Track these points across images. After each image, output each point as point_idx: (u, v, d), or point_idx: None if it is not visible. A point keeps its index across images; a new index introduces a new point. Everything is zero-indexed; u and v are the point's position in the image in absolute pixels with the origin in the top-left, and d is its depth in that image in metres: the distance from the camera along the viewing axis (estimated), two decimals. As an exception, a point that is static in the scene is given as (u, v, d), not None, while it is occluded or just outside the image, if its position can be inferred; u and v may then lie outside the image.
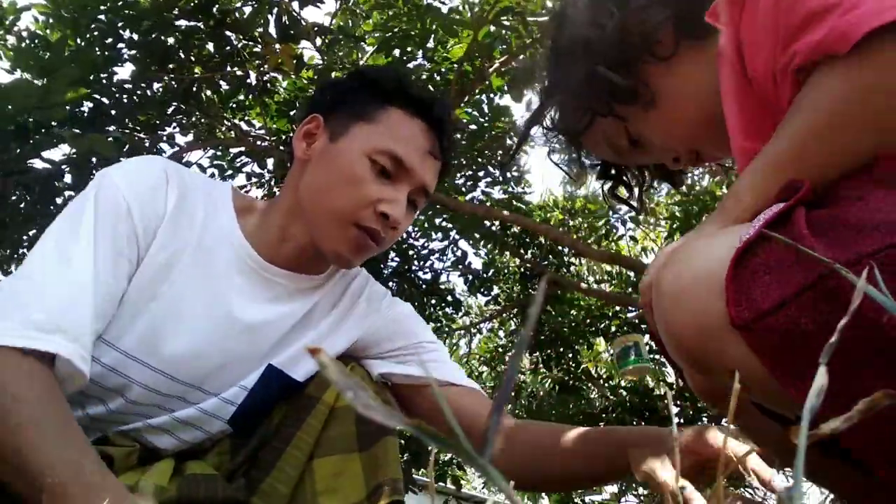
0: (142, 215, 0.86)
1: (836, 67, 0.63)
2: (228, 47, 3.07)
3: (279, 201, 0.99)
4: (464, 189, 4.07)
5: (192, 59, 3.09)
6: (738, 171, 0.74)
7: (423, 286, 4.31)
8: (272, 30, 2.99)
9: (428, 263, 4.43)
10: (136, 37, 2.87)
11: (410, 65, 3.24)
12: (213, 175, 4.01)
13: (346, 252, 0.92)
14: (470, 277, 4.84)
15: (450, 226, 4.32)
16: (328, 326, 1.02)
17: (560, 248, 4.82)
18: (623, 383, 5.31)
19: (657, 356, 4.26)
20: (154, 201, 0.88)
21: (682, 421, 3.99)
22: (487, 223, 4.19)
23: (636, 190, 1.02)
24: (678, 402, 4.36)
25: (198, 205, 0.93)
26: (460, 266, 4.60)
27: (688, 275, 0.60)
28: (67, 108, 2.47)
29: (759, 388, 0.56)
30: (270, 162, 3.91)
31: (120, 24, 2.81)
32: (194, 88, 3.23)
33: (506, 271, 5.36)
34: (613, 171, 1.01)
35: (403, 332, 1.07)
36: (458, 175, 4.01)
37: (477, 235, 4.24)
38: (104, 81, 2.94)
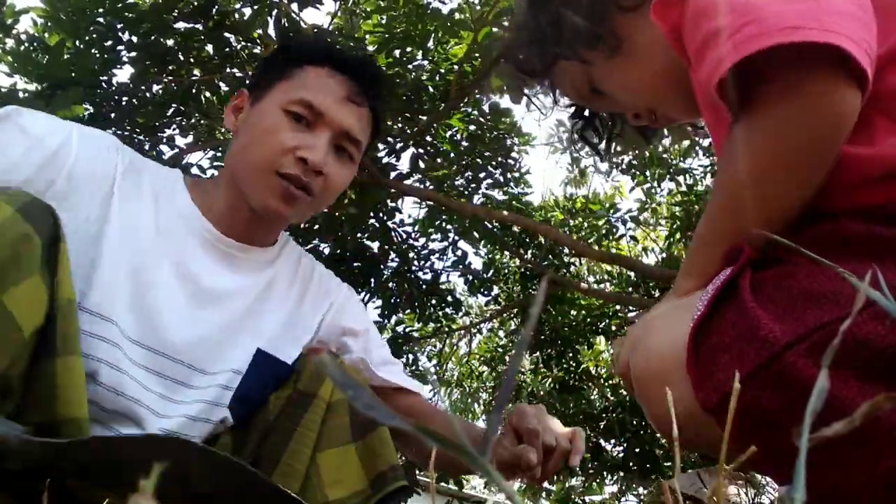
0: (81, 159, 0.88)
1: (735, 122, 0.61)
2: (228, 49, 3.06)
3: (221, 174, 1.04)
4: (466, 192, 4.07)
5: (192, 60, 3.09)
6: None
7: (423, 286, 4.31)
8: (272, 31, 2.99)
9: (428, 264, 4.43)
10: (135, 39, 2.87)
11: (410, 65, 3.24)
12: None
13: (273, 202, 0.95)
14: (470, 277, 4.84)
15: (449, 226, 4.32)
16: (293, 299, 1.06)
17: (560, 248, 4.83)
18: (623, 383, 5.30)
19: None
20: (103, 160, 0.91)
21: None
22: (488, 224, 4.19)
23: (605, 136, 1.04)
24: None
25: (153, 183, 0.97)
26: (460, 266, 4.60)
27: (655, 362, 0.61)
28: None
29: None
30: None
31: (119, 27, 2.81)
32: (194, 90, 3.23)
33: (506, 271, 5.36)
34: (586, 114, 1.03)
35: (353, 315, 1.13)
36: (459, 177, 4.01)
37: (476, 235, 4.24)
38: (103, 84, 2.94)
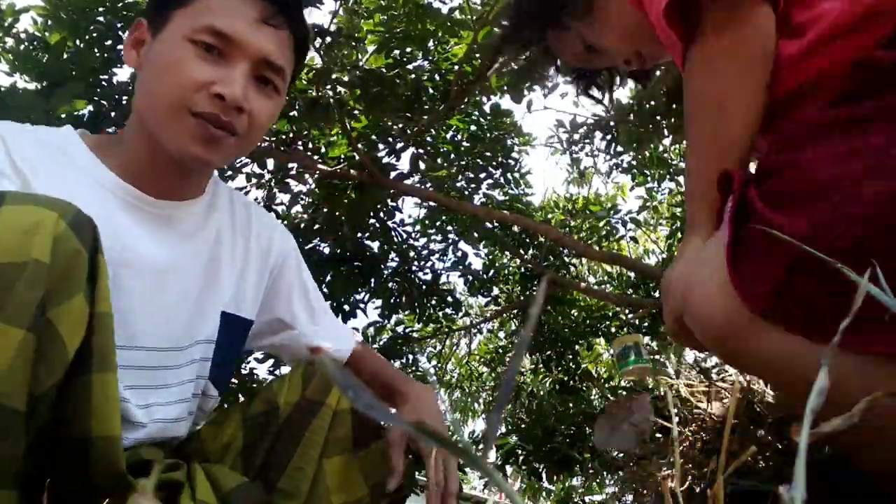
0: None
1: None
2: (228, 48, 3.06)
3: (129, 124, 0.91)
4: (466, 192, 4.06)
5: (192, 60, 3.09)
6: None
7: (423, 286, 4.30)
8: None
9: (428, 264, 4.43)
10: (135, 38, 2.87)
11: (411, 65, 3.24)
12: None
13: (192, 147, 0.84)
14: (470, 278, 4.83)
15: (449, 227, 4.32)
16: (240, 252, 1.01)
17: (560, 248, 4.82)
18: (623, 383, 5.31)
19: (657, 356, 4.25)
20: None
21: (682, 421, 4.00)
22: (488, 224, 4.19)
23: (606, 89, 1.19)
24: (678, 403, 4.36)
25: (51, 152, 0.85)
26: (460, 267, 4.60)
27: (704, 294, 0.69)
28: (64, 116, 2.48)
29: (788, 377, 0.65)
30: (270, 162, 3.91)
31: (119, 26, 2.81)
32: (194, 90, 3.22)
33: (506, 272, 5.35)
34: (587, 74, 1.16)
35: (296, 268, 1.09)
36: (459, 177, 4.01)
37: (476, 235, 4.24)
38: (103, 83, 2.94)
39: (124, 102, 3.09)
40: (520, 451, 4.91)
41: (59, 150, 0.86)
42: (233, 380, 3.97)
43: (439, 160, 3.78)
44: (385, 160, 3.64)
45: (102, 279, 0.67)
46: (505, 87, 3.38)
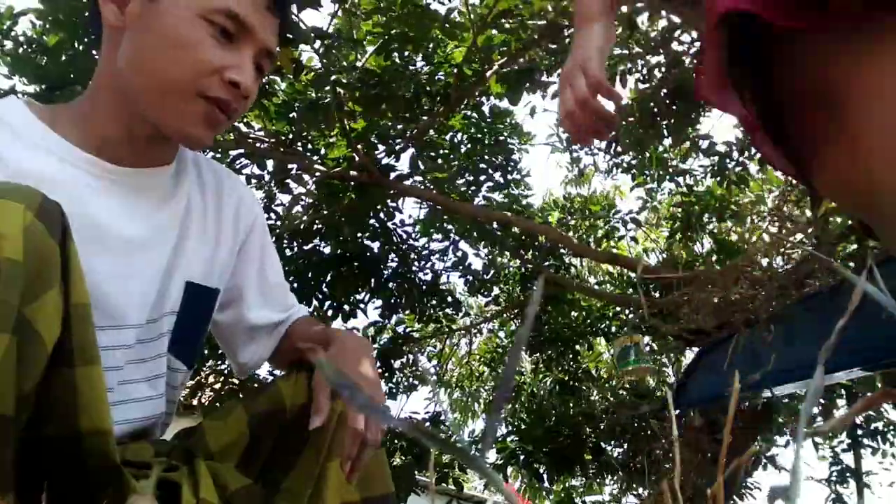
0: None
1: None
2: (227, 50, 3.06)
3: (97, 90, 0.85)
4: (467, 195, 4.07)
5: (192, 61, 3.09)
6: None
7: (424, 287, 4.31)
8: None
9: (428, 264, 4.43)
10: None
11: (410, 67, 3.24)
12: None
13: (195, 129, 0.82)
14: (470, 278, 4.84)
15: (450, 227, 4.32)
16: (212, 220, 0.97)
17: (560, 248, 4.83)
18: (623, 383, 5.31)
19: (657, 357, 4.26)
20: None
21: (682, 421, 4.00)
22: (487, 225, 4.19)
23: None
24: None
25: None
26: (460, 267, 4.60)
27: None
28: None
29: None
30: (270, 164, 3.92)
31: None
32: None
33: (506, 272, 5.36)
34: None
35: (258, 235, 1.05)
36: (460, 178, 4.01)
37: (476, 235, 4.24)
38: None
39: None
40: (520, 452, 4.91)
41: (9, 128, 0.81)
42: (233, 380, 3.97)
43: (439, 161, 3.78)
44: (384, 161, 3.65)
45: (76, 269, 0.64)
46: (504, 92, 3.39)
